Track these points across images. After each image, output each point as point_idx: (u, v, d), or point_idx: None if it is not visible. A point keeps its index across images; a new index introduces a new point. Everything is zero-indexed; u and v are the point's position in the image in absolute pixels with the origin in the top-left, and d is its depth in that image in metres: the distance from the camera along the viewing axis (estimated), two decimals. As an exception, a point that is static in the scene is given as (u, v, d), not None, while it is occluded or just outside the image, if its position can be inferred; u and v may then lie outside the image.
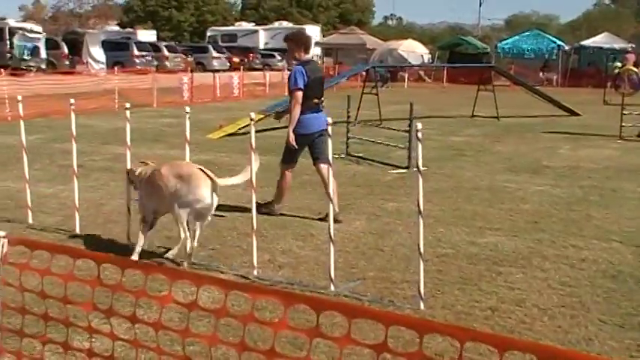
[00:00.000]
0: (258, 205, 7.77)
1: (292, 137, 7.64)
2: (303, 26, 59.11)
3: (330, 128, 5.47)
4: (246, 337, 2.29)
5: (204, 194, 5.81)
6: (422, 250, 5.12)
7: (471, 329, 1.98)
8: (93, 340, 2.68)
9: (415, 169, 5.42)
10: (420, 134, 5.19)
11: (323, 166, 6.95)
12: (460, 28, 77.93)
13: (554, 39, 46.10)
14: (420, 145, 5.20)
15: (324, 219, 6.97)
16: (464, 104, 21.77)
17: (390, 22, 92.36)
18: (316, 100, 7.70)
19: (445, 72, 40.86)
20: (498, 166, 11.49)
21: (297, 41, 7.90)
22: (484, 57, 43.70)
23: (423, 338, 1.90)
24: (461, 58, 44.13)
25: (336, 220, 7.34)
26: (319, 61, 52.57)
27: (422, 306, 5.04)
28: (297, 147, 7.66)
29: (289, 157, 7.88)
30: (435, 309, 5.06)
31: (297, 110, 7.58)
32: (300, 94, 7.54)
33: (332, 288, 5.37)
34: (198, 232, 6.08)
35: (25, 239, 2.78)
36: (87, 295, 2.62)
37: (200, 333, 2.48)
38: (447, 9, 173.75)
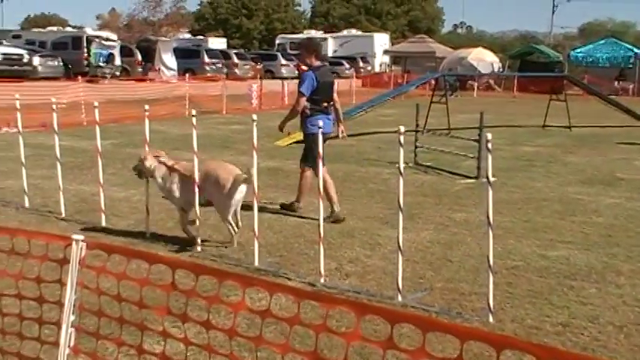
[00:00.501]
0: (282, 205, 8.40)
1: (282, 127, 8.42)
2: (372, 34, 59.31)
3: (402, 137, 5.42)
4: (317, 347, 2.29)
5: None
6: (491, 261, 5.03)
7: (554, 347, 1.92)
8: (165, 343, 2.71)
9: (484, 180, 5.33)
10: (489, 144, 5.10)
11: (322, 168, 6.94)
12: (532, 36, 76.58)
13: (630, 47, 44.78)
14: (489, 156, 5.12)
15: (332, 220, 7.69)
16: (534, 114, 21.37)
17: (459, 31, 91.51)
18: (325, 104, 8.12)
19: (515, 81, 40.17)
20: (570, 178, 11.22)
21: (308, 48, 8.44)
22: (556, 66, 42.82)
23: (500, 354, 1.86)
24: (532, 66, 43.36)
25: (337, 220, 7.85)
26: (387, 70, 52.54)
27: (491, 319, 4.94)
28: (311, 145, 7.80)
29: (308, 157, 8.07)
30: (505, 322, 4.96)
31: (294, 112, 8.14)
32: (303, 99, 8.01)
33: (399, 298, 5.33)
34: None
35: (103, 243, 2.84)
36: (161, 299, 2.66)
37: (269, 340, 2.47)
38: (518, 17, 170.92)
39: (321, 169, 6.62)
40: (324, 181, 6.94)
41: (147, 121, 7.18)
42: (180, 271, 2.50)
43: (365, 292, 5.50)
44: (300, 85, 8.14)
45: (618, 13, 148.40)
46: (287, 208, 8.33)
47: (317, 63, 8.26)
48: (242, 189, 6.65)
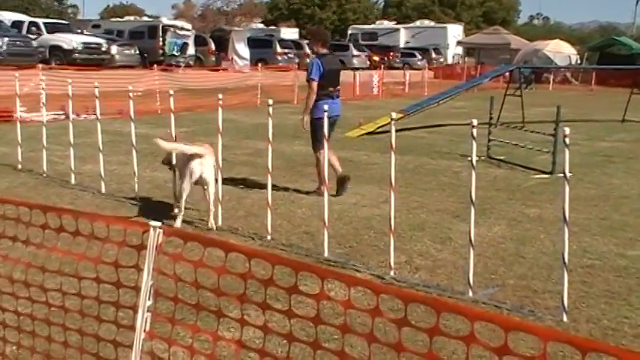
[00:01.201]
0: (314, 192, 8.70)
1: (307, 120, 8.57)
2: (445, 25, 58.57)
3: (474, 130, 5.33)
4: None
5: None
6: (566, 259, 4.90)
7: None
8: (243, 330, 2.73)
9: (560, 175, 5.19)
10: (567, 139, 4.96)
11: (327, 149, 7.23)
12: (613, 27, 74.30)
13: None
14: (567, 151, 4.98)
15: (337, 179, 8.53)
16: (613, 108, 20.73)
17: (535, 22, 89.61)
18: (331, 89, 8.64)
19: (594, 74, 39.03)
20: (651, 175, 10.85)
21: (317, 36, 9.25)
22: (639, 58, 41.36)
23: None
24: (612, 59, 42.03)
25: (343, 178, 8.64)
26: (460, 61, 51.80)
27: (565, 318, 4.82)
28: (318, 129, 7.95)
29: (317, 141, 8.35)
30: (579, 322, 4.82)
31: (311, 98, 8.48)
32: (314, 84, 8.45)
33: (470, 294, 5.25)
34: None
35: (180, 230, 2.88)
36: (237, 287, 2.69)
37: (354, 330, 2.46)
38: (598, 8, 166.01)
39: (326, 150, 7.06)
40: (329, 157, 7.64)
41: (220, 110, 7.25)
42: (254, 260, 2.51)
43: (435, 287, 5.44)
44: (308, 72, 8.63)
45: None
46: (316, 192, 8.45)
47: (323, 50, 8.80)
48: (193, 168, 6.99)
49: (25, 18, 32.82)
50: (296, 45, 41.94)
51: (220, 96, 7.23)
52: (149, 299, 2.73)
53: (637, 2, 75.91)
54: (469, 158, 5.42)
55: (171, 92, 7.68)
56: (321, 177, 8.15)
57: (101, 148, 8.72)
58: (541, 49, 44.66)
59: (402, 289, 4.96)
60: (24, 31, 28.80)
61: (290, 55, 39.12)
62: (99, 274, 3.12)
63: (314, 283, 2.52)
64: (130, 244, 2.90)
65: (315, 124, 8.34)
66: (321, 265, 5.80)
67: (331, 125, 7.98)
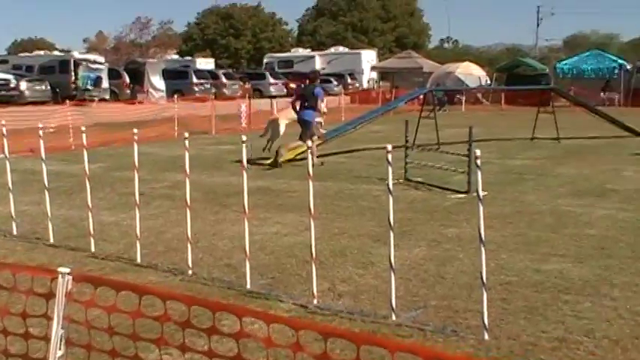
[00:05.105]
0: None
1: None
2: (359, 51, 59.55)
3: (389, 155, 5.40)
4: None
5: None
6: (484, 278, 4.99)
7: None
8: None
9: (475, 194, 5.30)
10: (479, 161, 5.09)
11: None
12: (517, 49, 76.98)
13: (615, 58, 45.11)
14: (479, 172, 5.10)
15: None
16: (523, 126, 21.41)
17: (446, 45, 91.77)
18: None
19: (503, 94, 40.31)
20: (561, 190, 11.22)
21: (317, 75, 16.20)
22: (543, 78, 42.92)
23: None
24: (519, 79, 43.49)
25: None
26: (375, 86, 52.63)
27: (486, 336, 4.90)
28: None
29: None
30: (500, 339, 4.91)
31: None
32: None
33: (393, 317, 5.28)
34: None
35: (90, 276, 2.79)
36: (154, 330, 2.61)
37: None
38: (503, 31, 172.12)
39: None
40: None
41: (135, 145, 7.13)
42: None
43: (359, 313, 5.45)
44: (319, 93, 14.35)
45: (601, 25, 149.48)
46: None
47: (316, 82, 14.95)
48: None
49: None
50: (212, 75, 41.79)
51: (135, 130, 7.10)
52: (60, 349, 2.62)
53: (538, 25, 79.31)
54: (387, 182, 5.48)
55: (83, 128, 7.51)
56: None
57: (11, 187, 8.41)
58: (452, 71, 45.83)
59: (322, 323, 4.95)
60: None
61: (207, 86, 38.93)
62: (5, 326, 2.98)
63: (235, 319, 2.48)
64: (38, 292, 2.78)
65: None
66: (239, 303, 5.75)
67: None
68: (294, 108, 14.67)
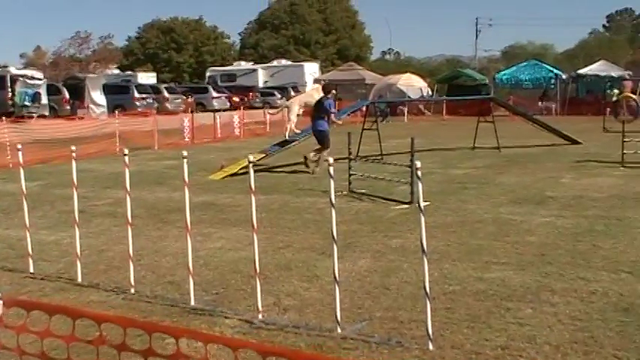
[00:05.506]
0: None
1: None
2: (302, 63, 59.75)
3: (331, 169, 5.41)
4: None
5: None
6: (428, 288, 5.03)
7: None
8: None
9: (417, 205, 5.35)
10: (419, 172, 5.14)
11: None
12: (457, 60, 78.32)
13: (551, 68, 46.27)
14: (420, 183, 5.16)
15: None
16: (464, 136, 21.77)
17: (387, 57, 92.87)
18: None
19: (444, 105, 40.95)
20: (502, 198, 11.42)
21: (329, 88, 16.23)
22: (483, 88, 43.76)
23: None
24: (460, 90, 44.21)
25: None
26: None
27: (430, 346, 4.94)
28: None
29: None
30: (445, 349, 4.95)
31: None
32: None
33: (339, 330, 5.28)
34: None
35: (21, 300, 2.71)
36: (91, 353, 2.55)
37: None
38: (443, 42, 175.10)
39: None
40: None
41: (74, 162, 6.98)
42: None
43: (304, 327, 5.43)
44: (329, 106, 15.32)
45: (537, 36, 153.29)
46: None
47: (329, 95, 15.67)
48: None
49: None
50: (154, 90, 41.40)
51: (74, 147, 6.96)
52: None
53: (477, 37, 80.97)
54: (337, 193, 5.50)
55: (19, 146, 7.34)
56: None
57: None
58: (394, 83, 46.33)
59: (261, 340, 4.93)
60: None
61: (149, 100, 38.53)
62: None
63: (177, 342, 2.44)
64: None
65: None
66: (183, 320, 5.68)
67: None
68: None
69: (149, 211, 10.64)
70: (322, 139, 15.35)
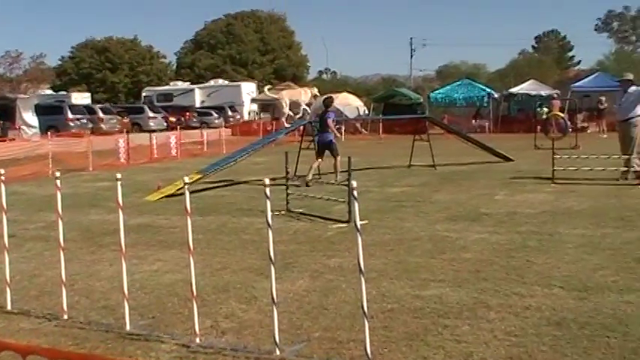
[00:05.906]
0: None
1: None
2: (239, 83, 59.72)
3: (267, 189, 5.40)
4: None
5: None
6: (366, 307, 5.04)
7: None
8: None
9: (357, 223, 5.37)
10: (355, 192, 5.17)
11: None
12: (393, 79, 79.39)
13: (484, 87, 47.33)
14: (356, 203, 5.18)
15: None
16: (401, 154, 22.05)
17: (324, 77, 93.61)
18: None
19: (381, 123, 41.43)
20: (438, 216, 11.57)
21: (331, 102, 17.70)
22: (418, 107, 44.57)
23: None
24: (395, 109, 44.89)
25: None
26: (256, 117, 52.84)
27: (370, 365, 4.94)
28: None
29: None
30: (383, 367, 4.97)
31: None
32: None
33: (277, 352, 5.24)
34: None
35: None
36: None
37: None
38: (379, 62, 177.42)
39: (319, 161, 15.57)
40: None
41: (2, 185, 6.78)
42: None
43: (242, 349, 5.37)
44: (329, 117, 16.48)
45: (470, 56, 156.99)
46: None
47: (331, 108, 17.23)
48: None
49: None
50: (89, 110, 40.72)
51: (2, 170, 6.77)
52: None
53: (411, 56, 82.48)
54: (275, 213, 5.48)
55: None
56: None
57: None
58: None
59: None
60: None
61: (83, 121, 37.88)
62: None
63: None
64: None
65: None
66: (118, 345, 5.56)
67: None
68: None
69: (83, 234, 10.41)
70: (332, 150, 16.48)
